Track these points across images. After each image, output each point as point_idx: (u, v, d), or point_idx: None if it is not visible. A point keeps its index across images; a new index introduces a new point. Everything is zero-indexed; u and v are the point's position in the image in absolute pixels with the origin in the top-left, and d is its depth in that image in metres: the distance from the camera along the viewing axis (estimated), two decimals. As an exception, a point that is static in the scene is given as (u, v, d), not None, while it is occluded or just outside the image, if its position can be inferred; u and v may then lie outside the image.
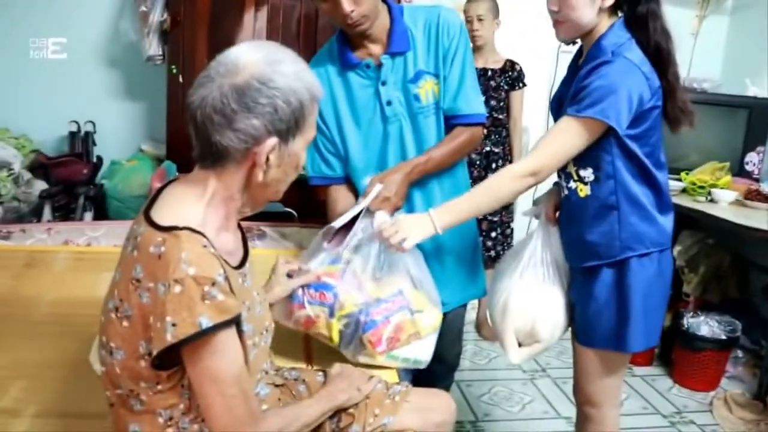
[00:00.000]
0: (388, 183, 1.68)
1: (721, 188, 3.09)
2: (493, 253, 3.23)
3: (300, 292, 1.58)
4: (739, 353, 3.10)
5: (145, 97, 3.31)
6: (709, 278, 3.22)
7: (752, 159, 3.35)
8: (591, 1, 1.53)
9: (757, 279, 3.26)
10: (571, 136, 1.51)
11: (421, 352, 1.64)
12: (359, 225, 1.64)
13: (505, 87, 3.20)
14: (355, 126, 1.79)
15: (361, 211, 1.64)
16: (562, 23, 1.58)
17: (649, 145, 1.57)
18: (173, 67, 2.82)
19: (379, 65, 1.73)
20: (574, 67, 1.68)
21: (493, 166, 3.21)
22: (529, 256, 1.73)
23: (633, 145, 1.54)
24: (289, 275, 1.59)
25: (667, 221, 1.64)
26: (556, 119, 1.72)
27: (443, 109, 1.78)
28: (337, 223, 1.62)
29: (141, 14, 2.94)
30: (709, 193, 3.10)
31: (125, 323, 1.07)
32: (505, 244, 3.30)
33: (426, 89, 1.75)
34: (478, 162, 3.20)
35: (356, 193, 1.83)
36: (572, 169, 1.61)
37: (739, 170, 3.33)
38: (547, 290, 1.71)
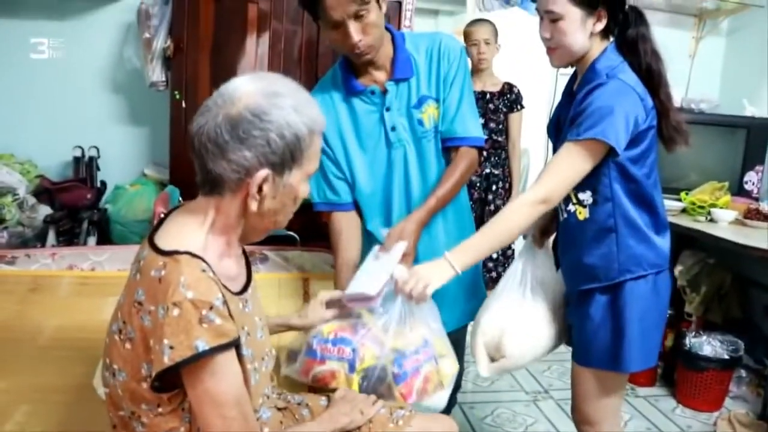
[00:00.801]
0: (407, 237, 1.69)
1: (721, 208, 3.10)
2: (494, 274, 3.23)
3: (317, 347, 1.55)
4: (743, 373, 3.09)
5: (148, 122, 3.35)
6: (710, 298, 3.22)
7: (751, 178, 3.37)
8: (582, 26, 1.57)
9: (758, 298, 3.27)
10: (575, 161, 1.53)
11: (441, 401, 1.62)
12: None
13: (504, 109, 3.22)
14: (360, 151, 1.81)
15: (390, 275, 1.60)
16: (555, 50, 1.62)
17: (646, 165, 1.59)
18: (176, 92, 2.86)
19: (384, 92, 1.76)
20: (569, 91, 1.71)
21: (493, 188, 3.22)
22: (510, 276, 1.77)
23: (631, 167, 1.56)
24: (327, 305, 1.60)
25: (664, 242, 1.66)
26: (554, 143, 1.75)
27: (441, 131, 1.80)
28: (372, 290, 1.57)
29: (144, 41, 2.98)
30: (709, 213, 3.12)
31: (128, 345, 1.09)
32: (506, 265, 3.30)
33: (429, 114, 1.78)
34: (478, 184, 3.21)
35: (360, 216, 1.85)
36: (571, 192, 1.62)
37: (739, 189, 3.35)
38: (523, 309, 1.72)
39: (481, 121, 3.12)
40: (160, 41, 2.94)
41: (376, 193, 1.83)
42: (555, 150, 1.70)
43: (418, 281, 1.50)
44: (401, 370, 1.53)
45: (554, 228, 1.81)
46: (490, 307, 1.75)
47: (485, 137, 2.92)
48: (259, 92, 1.08)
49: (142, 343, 1.06)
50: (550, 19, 1.58)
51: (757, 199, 3.28)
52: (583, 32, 1.57)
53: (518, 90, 3.25)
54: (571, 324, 1.74)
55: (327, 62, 2.91)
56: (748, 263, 3.22)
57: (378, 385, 1.53)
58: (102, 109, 3.32)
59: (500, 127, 3.22)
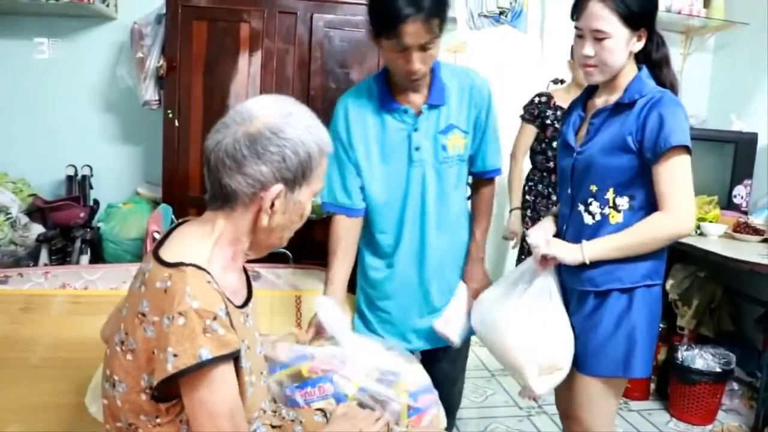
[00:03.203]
0: (476, 281, 1.99)
1: (711, 222, 3.14)
2: None
3: (296, 396, 1.55)
4: (735, 386, 3.11)
5: (141, 141, 3.36)
6: (702, 311, 3.23)
7: (740, 192, 3.40)
8: (626, 44, 1.63)
9: (749, 311, 3.28)
10: (687, 169, 1.62)
11: None
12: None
13: None
14: (381, 162, 1.88)
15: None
16: (596, 67, 1.67)
17: None
18: (169, 111, 2.87)
19: (418, 113, 1.85)
20: (583, 105, 1.80)
21: None
22: (532, 288, 1.75)
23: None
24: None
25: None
26: (565, 155, 1.79)
27: (473, 169, 1.99)
28: (456, 338, 1.94)
29: (137, 60, 3.00)
30: (699, 227, 3.14)
31: (129, 356, 1.10)
32: None
33: (454, 142, 1.89)
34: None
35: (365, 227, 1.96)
36: (611, 196, 1.67)
37: (728, 203, 3.38)
38: (557, 317, 1.73)
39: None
40: (153, 60, 2.96)
41: (391, 205, 1.91)
42: (566, 161, 1.76)
43: (552, 249, 1.66)
44: (416, 403, 1.57)
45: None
46: (520, 323, 1.71)
47: None
48: (277, 112, 1.15)
49: (144, 354, 1.08)
50: (595, 37, 1.63)
51: (746, 213, 3.31)
52: (625, 51, 1.64)
53: None
54: (576, 330, 1.74)
55: (319, 80, 2.94)
56: (738, 276, 3.24)
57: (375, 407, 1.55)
58: (95, 127, 3.34)
59: None
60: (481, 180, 2.04)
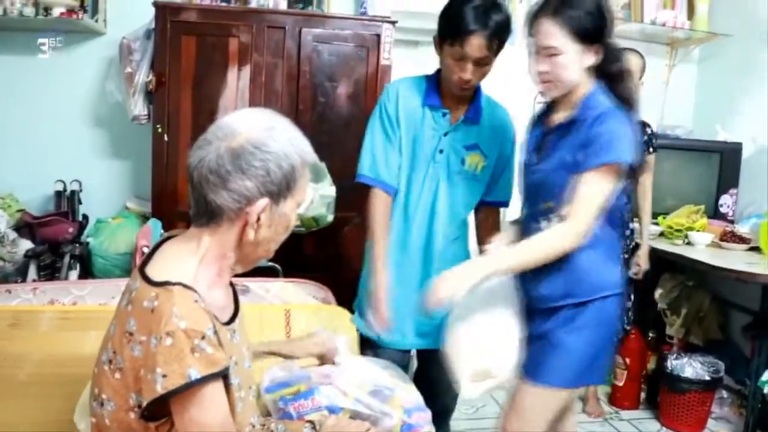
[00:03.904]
0: None
1: (698, 231, 3.16)
2: None
3: (289, 408, 1.54)
4: (724, 394, 3.13)
5: (130, 155, 3.35)
6: (691, 320, 3.26)
7: (726, 201, 3.44)
8: (579, 59, 1.64)
9: (737, 319, 3.31)
10: (602, 187, 1.59)
11: None
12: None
13: None
14: (410, 150, 2.02)
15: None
16: (550, 83, 1.67)
17: (624, 194, 1.66)
18: (158, 126, 2.87)
19: (454, 122, 2.01)
20: (543, 121, 1.78)
21: None
22: (475, 295, 1.74)
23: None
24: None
25: (622, 268, 1.75)
26: (525, 171, 1.79)
27: (487, 198, 2.11)
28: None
29: (126, 75, 3.00)
30: (686, 236, 3.17)
31: (117, 375, 1.10)
32: None
33: (474, 159, 2.04)
34: None
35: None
36: (566, 212, 1.65)
37: (714, 212, 3.41)
38: (498, 326, 1.73)
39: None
40: (142, 75, 2.97)
41: (406, 195, 2.04)
42: (526, 177, 1.77)
43: (441, 289, 1.58)
44: (410, 419, 1.57)
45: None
46: (460, 329, 1.73)
47: None
48: (258, 126, 1.14)
49: (132, 373, 1.08)
50: (548, 54, 1.63)
51: (732, 222, 3.35)
52: (578, 66, 1.65)
53: (652, 131, 3.06)
54: (527, 340, 1.74)
55: (308, 95, 2.96)
56: (726, 285, 3.27)
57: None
58: (84, 142, 3.33)
59: None
60: (491, 208, 2.17)
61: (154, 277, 1.11)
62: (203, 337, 1.05)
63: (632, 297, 3.10)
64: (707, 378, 2.96)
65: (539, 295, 1.73)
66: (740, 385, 3.11)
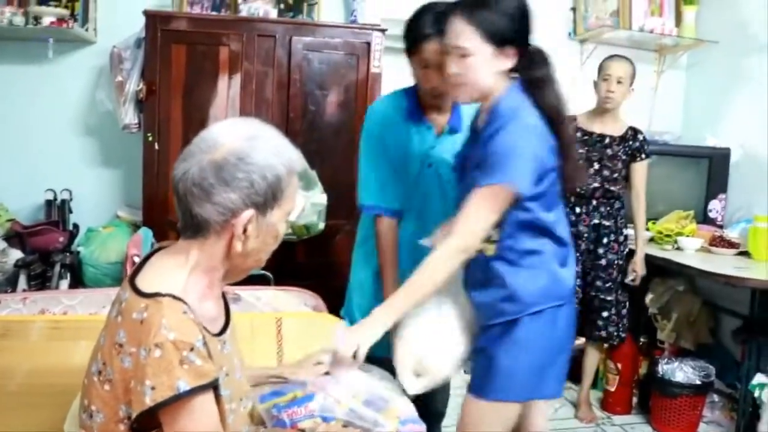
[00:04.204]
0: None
1: (687, 236, 3.19)
2: None
3: (283, 416, 1.53)
4: (715, 397, 3.14)
5: (121, 164, 3.35)
6: (681, 324, 3.27)
7: (715, 206, 3.47)
8: (491, 64, 1.57)
9: (727, 323, 3.33)
10: (488, 205, 1.54)
11: None
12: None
13: (624, 157, 2.98)
14: (402, 171, 2.00)
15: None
16: (461, 86, 1.61)
17: (548, 202, 1.62)
18: (149, 135, 2.87)
19: (439, 133, 1.99)
20: (474, 129, 1.72)
21: (604, 240, 3.01)
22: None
23: (531, 203, 1.58)
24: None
25: (569, 274, 1.68)
26: (459, 178, 1.76)
27: None
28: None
29: (117, 84, 3.01)
30: (676, 242, 3.19)
31: (107, 386, 1.09)
32: None
33: None
34: (586, 234, 3.01)
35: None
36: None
37: (704, 218, 3.44)
38: (439, 326, 1.71)
39: (595, 166, 2.98)
40: (133, 84, 2.97)
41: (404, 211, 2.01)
42: (460, 188, 1.70)
43: (349, 348, 1.54)
44: (404, 429, 1.56)
45: None
46: (409, 326, 1.70)
47: (597, 185, 2.97)
48: (241, 136, 1.12)
49: (121, 384, 1.07)
50: (459, 54, 1.57)
51: (721, 227, 3.37)
52: (491, 70, 1.58)
53: (644, 137, 3.03)
54: (473, 355, 1.74)
55: (298, 103, 2.97)
56: (715, 289, 3.29)
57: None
58: (74, 151, 3.33)
59: (615, 175, 2.98)
60: None
61: (144, 288, 1.11)
62: (192, 349, 1.04)
63: (627, 304, 3.12)
64: (698, 382, 2.97)
65: (485, 313, 1.72)
66: (731, 389, 3.13)
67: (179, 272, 1.14)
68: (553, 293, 1.64)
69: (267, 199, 1.13)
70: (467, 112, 1.95)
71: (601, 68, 3.03)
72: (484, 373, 1.68)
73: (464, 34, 1.55)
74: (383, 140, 1.98)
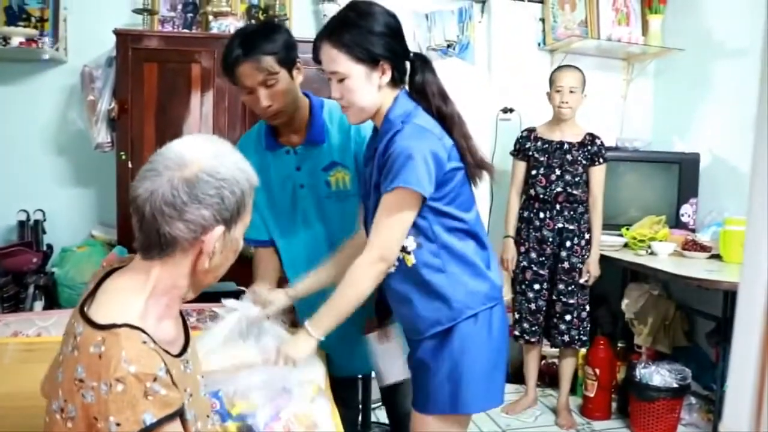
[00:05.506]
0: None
1: (660, 241, 3.23)
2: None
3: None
4: (693, 400, 3.18)
5: (94, 183, 3.32)
6: (657, 328, 3.31)
7: (687, 211, 3.52)
8: (368, 82, 1.58)
9: (701, 325, 3.37)
10: (397, 211, 1.56)
11: None
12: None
13: (583, 161, 3.11)
14: (270, 201, 1.96)
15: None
16: (348, 108, 1.63)
17: (462, 202, 1.63)
18: (122, 153, 2.86)
19: (298, 152, 1.92)
20: (373, 147, 1.70)
21: (567, 243, 3.12)
22: None
23: (445, 206, 1.60)
24: None
25: (496, 274, 1.69)
26: (365, 197, 1.75)
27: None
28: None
29: (89, 103, 2.99)
30: (650, 246, 3.24)
31: (69, 424, 1.06)
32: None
33: (337, 176, 1.94)
34: (550, 239, 3.13)
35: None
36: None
37: (676, 222, 3.49)
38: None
39: (557, 172, 3.12)
40: (105, 103, 2.96)
41: (285, 236, 2.00)
42: (372, 204, 1.68)
43: (286, 361, 1.57)
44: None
45: None
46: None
47: (560, 190, 3.07)
48: (208, 153, 1.12)
49: (84, 421, 1.03)
50: (337, 79, 1.59)
51: (693, 231, 3.42)
52: (370, 87, 1.59)
53: (601, 142, 3.15)
54: (413, 370, 1.74)
55: (272, 117, 2.97)
56: (689, 292, 3.34)
57: None
58: (47, 171, 3.30)
59: (577, 179, 3.11)
60: None
61: (99, 319, 1.07)
62: (155, 379, 1.02)
63: (587, 308, 3.19)
64: (675, 385, 3.00)
65: (406, 329, 1.74)
66: (707, 391, 3.17)
67: (136, 298, 1.11)
68: (484, 294, 1.64)
69: (233, 214, 1.13)
70: (335, 118, 1.91)
71: (552, 80, 3.16)
72: (425, 387, 1.67)
73: (336, 59, 1.57)
74: None
